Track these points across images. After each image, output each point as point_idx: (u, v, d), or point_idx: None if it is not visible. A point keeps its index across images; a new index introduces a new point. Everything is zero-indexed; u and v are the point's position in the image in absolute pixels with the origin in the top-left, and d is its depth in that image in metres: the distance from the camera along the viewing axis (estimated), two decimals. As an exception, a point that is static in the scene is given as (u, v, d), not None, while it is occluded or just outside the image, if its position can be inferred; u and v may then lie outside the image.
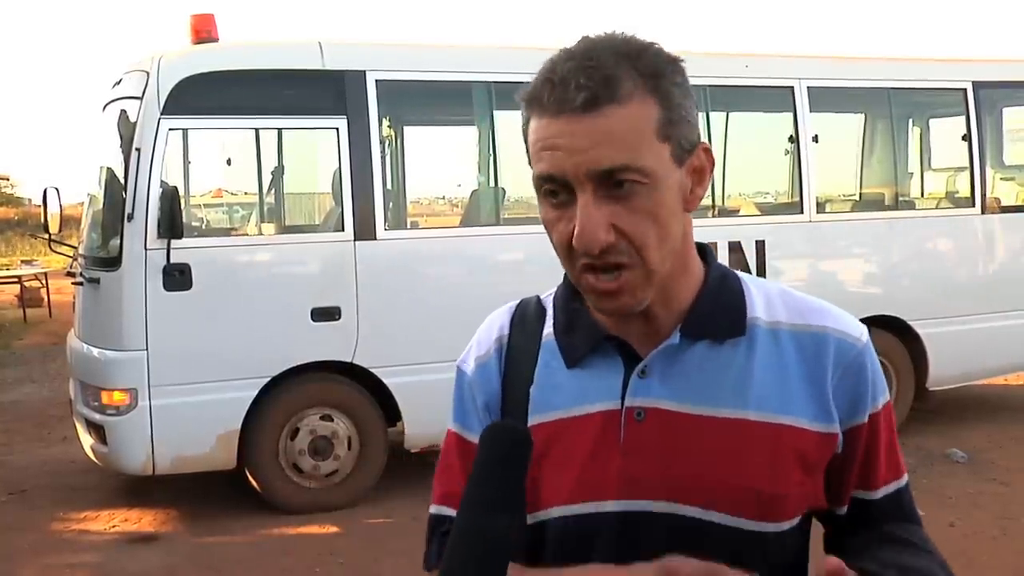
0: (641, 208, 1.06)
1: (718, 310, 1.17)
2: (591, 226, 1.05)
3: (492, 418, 1.23)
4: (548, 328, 1.23)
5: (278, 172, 6.56)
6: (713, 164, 1.14)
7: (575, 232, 1.06)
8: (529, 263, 5.82)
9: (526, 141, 1.12)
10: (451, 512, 1.23)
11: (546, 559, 1.18)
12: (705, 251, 1.23)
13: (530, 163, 1.12)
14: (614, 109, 1.04)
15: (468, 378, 1.27)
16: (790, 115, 6.71)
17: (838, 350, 1.17)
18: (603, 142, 1.04)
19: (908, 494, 1.26)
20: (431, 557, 1.26)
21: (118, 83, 5.95)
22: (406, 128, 7.44)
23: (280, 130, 6.30)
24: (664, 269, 1.11)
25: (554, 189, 1.08)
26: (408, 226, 6.45)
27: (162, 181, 5.35)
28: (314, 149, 6.54)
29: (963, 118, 7.16)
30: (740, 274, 1.24)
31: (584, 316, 1.20)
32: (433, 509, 1.29)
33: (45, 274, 16.03)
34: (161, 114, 5.33)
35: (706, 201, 6.84)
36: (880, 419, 1.19)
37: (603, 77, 1.04)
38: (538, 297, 1.29)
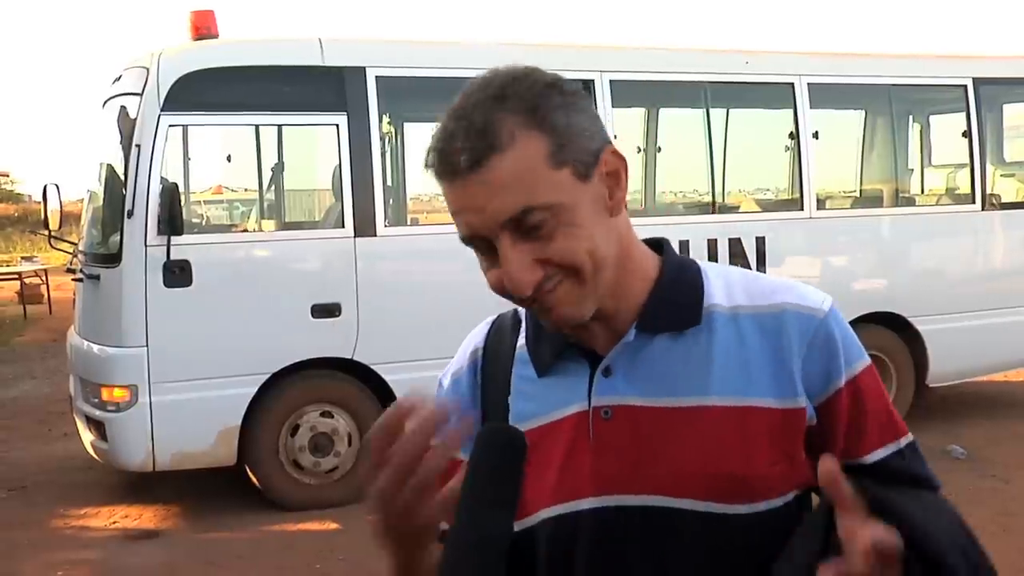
0: (558, 236, 1.08)
1: (673, 302, 1.18)
2: (516, 272, 1.08)
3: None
4: (521, 339, 1.26)
5: (278, 168, 6.56)
6: (625, 162, 1.14)
7: (506, 283, 1.10)
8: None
9: None
10: None
11: (537, 564, 1.19)
12: (661, 245, 1.24)
13: None
14: (499, 159, 1.05)
15: (443, 392, 1.30)
16: (790, 111, 6.71)
17: (799, 324, 1.17)
18: (498, 193, 1.06)
19: (913, 455, 1.22)
20: None
21: (118, 79, 5.95)
22: (406, 124, 7.44)
23: (280, 126, 6.31)
24: (602, 280, 1.12)
25: (477, 245, 1.11)
26: (408, 223, 6.45)
27: (162, 177, 5.35)
28: (314, 145, 6.55)
29: (963, 114, 7.15)
30: (700, 262, 1.24)
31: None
32: None
33: (45, 271, 16.04)
34: (161, 110, 5.32)
35: (707, 198, 6.86)
36: (860, 382, 1.18)
37: (478, 132, 1.05)
38: (516, 309, 1.30)
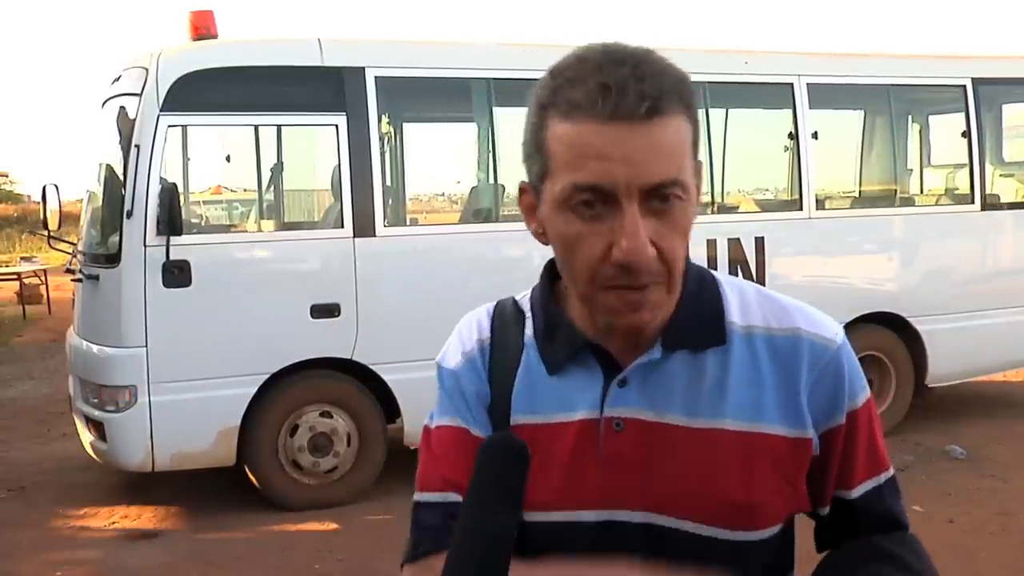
0: (677, 225, 1.05)
1: (698, 319, 1.16)
2: (641, 241, 1.02)
3: (483, 407, 1.20)
4: (528, 331, 1.22)
5: (277, 169, 6.56)
6: (702, 179, 1.15)
7: (621, 244, 1.02)
8: (527, 260, 5.82)
9: (541, 145, 1.07)
10: (455, 497, 1.17)
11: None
12: None
13: (541, 170, 1.08)
14: (667, 121, 1.02)
15: (454, 371, 1.24)
16: (790, 112, 6.71)
17: (812, 353, 1.16)
18: (659, 154, 1.01)
19: (892, 490, 1.23)
20: (424, 542, 1.19)
21: (117, 80, 5.95)
22: (405, 125, 7.44)
23: (279, 127, 6.30)
24: (678, 289, 1.11)
25: (591, 200, 1.03)
26: (407, 223, 6.45)
27: (161, 178, 5.35)
28: (313, 146, 6.54)
29: (962, 115, 7.16)
30: (716, 275, 1.22)
31: (563, 321, 1.19)
32: (425, 496, 1.21)
33: (44, 271, 16.03)
34: (160, 110, 5.33)
35: (706, 198, 6.85)
36: (859, 416, 1.18)
37: (658, 88, 1.01)
38: (514, 299, 1.27)
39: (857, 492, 1.20)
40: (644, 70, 1.01)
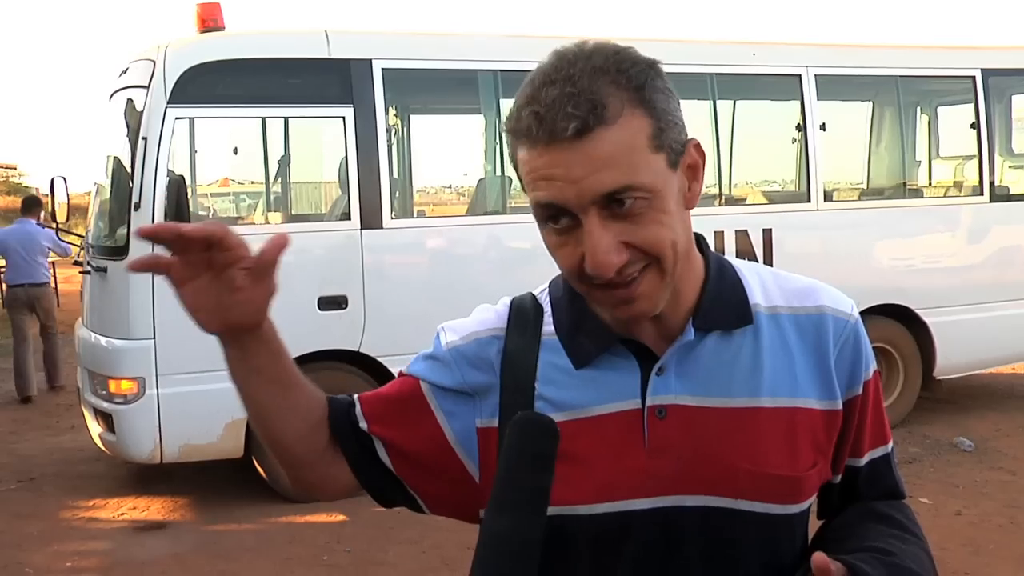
0: (648, 221, 1.06)
1: (724, 302, 1.19)
2: (603, 251, 1.04)
3: (472, 376, 1.22)
4: (548, 327, 1.22)
5: (284, 161, 6.56)
6: (704, 158, 1.14)
7: (587, 258, 1.05)
8: (536, 251, 5.80)
9: (516, 168, 1.11)
10: (348, 402, 1.35)
11: (578, 558, 1.17)
12: (700, 241, 1.23)
13: (523, 189, 1.11)
14: (605, 132, 1.02)
15: (448, 344, 1.25)
16: (797, 103, 6.69)
17: (835, 327, 1.20)
18: (600, 167, 1.02)
19: (893, 461, 1.29)
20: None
21: (125, 72, 5.95)
22: (412, 117, 7.44)
23: (286, 119, 6.30)
24: (677, 273, 1.11)
25: (555, 215, 1.07)
26: (415, 215, 6.45)
27: (169, 170, 5.35)
28: (320, 138, 6.55)
29: (971, 106, 7.13)
30: (732, 261, 1.25)
31: (591, 317, 1.19)
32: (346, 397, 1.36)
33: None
34: (168, 103, 5.33)
35: (713, 190, 6.84)
36: (870, 386, 1.23)
37: (589, 102, 1.02)
38: (532, 295, 1.27)
39: (864, 460, 1.26)
40: (574, 88, 1.02)
